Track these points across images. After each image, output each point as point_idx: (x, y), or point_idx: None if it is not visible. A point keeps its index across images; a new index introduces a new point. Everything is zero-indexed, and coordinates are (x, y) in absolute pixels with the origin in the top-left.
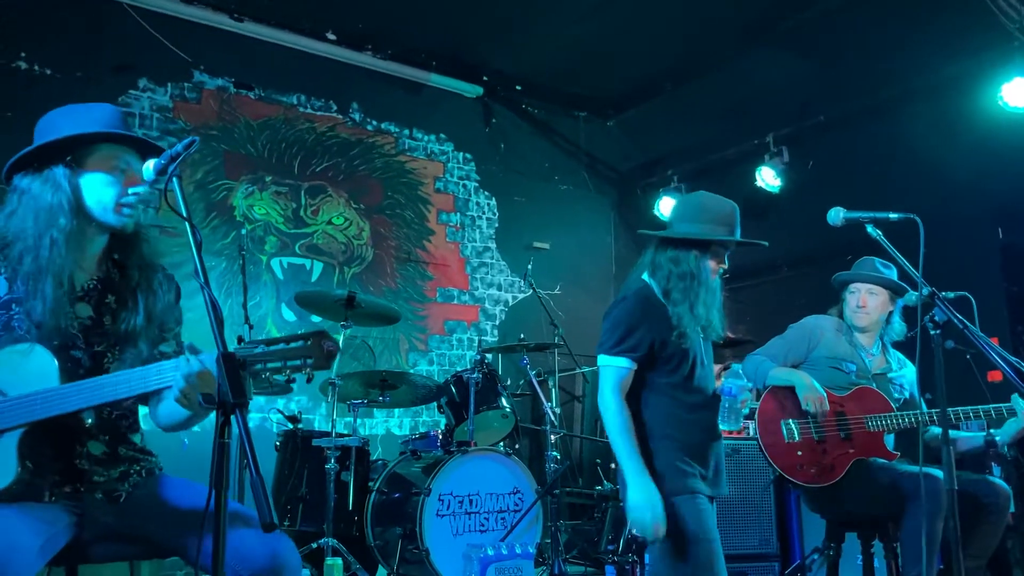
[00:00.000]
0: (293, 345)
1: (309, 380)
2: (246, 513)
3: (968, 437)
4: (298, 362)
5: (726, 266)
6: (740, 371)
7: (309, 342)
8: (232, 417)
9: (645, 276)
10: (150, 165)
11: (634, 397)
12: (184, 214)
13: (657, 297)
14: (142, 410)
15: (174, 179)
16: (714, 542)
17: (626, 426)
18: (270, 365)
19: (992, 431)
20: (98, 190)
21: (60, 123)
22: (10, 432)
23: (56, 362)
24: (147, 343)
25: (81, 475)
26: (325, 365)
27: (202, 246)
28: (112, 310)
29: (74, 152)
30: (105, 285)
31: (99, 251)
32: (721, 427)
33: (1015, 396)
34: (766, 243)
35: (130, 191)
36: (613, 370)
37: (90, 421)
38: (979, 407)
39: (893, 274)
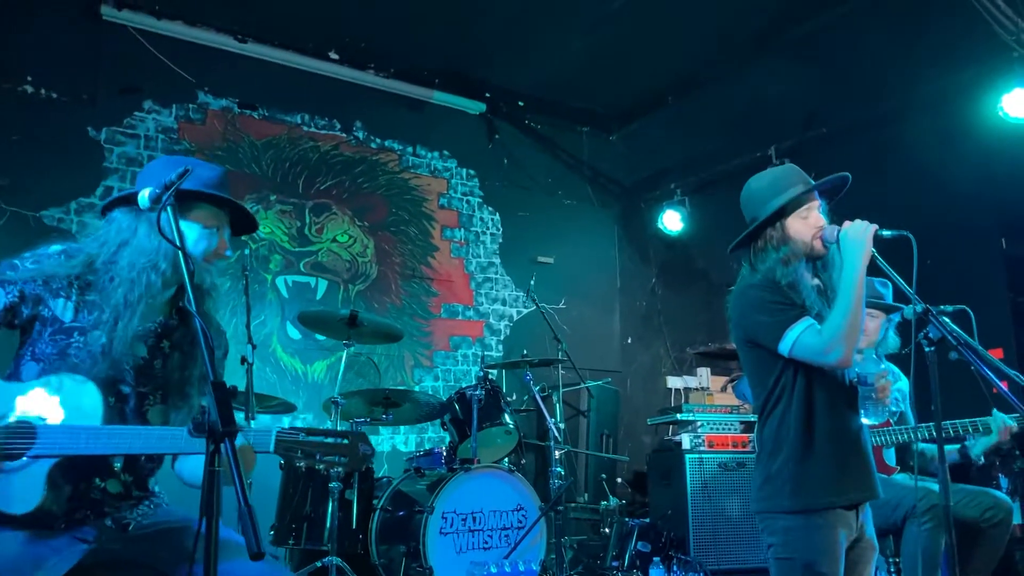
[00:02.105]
0: (330, 441)
1: (338, 479)
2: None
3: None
4: (333, 458)
5: (824, 220)
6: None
7: (347, 441)
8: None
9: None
10: (145, 194)
11: (766, 390)
12: (177, 243)
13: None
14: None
15: (168, 208)
16: None
17: (833, 312)
18: (306, 453)
19: (967, 443)
20: (192, 242)
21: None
22: (43, 460)
23: (102, 400)
24: (196, 393)
25: (92, 504)
26: (357, 467)
27: (194, 275)
28: (164, 355)
29: (180, 203)
30: (164, 330)
31: (168, 298)
32: (867, 420)
33: (994, 411)
34: (848, 174)
35: (219, 254)
36: (805, 335)
37: (118, 464)
38: (965, 421)
39: (890, 293)
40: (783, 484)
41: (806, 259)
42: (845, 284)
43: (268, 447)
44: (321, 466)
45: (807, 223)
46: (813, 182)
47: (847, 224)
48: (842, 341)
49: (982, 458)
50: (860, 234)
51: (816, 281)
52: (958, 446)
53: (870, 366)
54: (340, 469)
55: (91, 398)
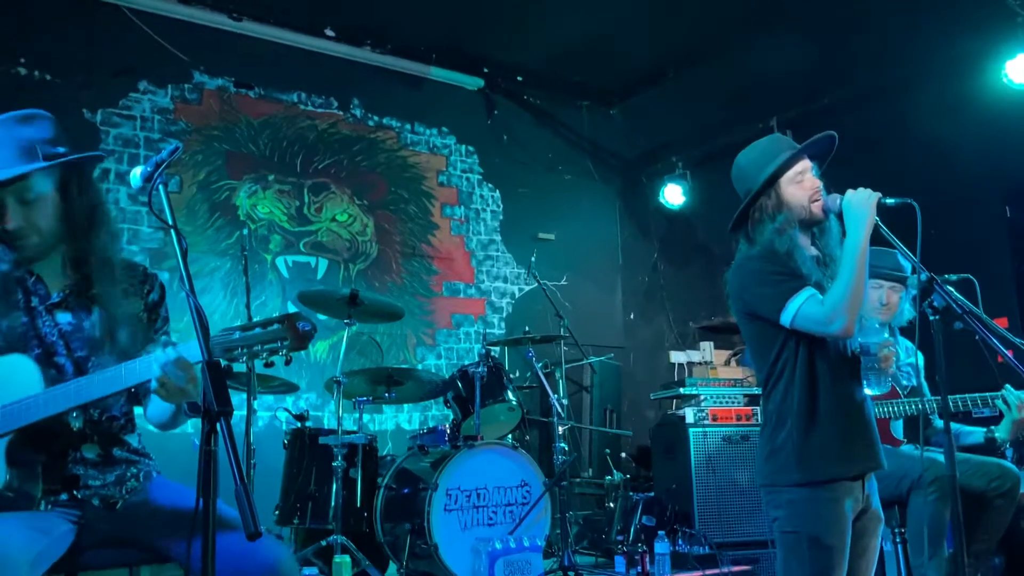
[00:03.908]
0: (269, 329)
1: (288, 362)
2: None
3: (968, 432)
4: (275, 344)
5: (819, 183)
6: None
7: (284, 324)
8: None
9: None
10: (137, 172)
11: (769, 363)
12: (169, 221)
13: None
14: (138, 411)
15: (159, 186)
16: (833, 549)
17: (836, 284)
18: (249, 349)
19: (992, 427)
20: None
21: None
22: None
23: (39, 369)
24: (131, 343)
25: (76, 480)
26: (301, 346)
27: (187, 253)
28: (88, 312)
29: None
30: (78, 289)
31: (61, 259)
32: (869, 391)
33: (1007, 386)
34: (834, 133)
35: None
36: (806, 305)
37: (78, 425)
38: (975, 395)
39: (909, 266)
40: (787, 457)
41: (804, 226)
42: (848, 253)
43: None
44: (264, 355)
45: (802, 187)
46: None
47: (850, 192)
48: (845, 311)
49: (1008, 443)
50: (863, 203)
51: (814, 250)
52: (983, 430)
53: (873, 336)
54: (286, 352)
55: (27, 372)
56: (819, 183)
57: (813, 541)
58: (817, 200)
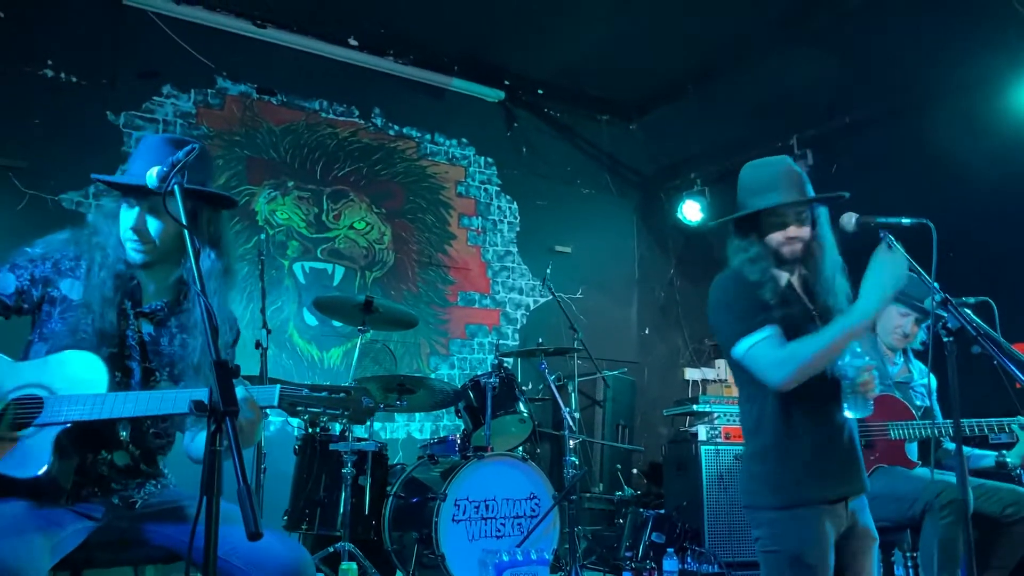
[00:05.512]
0: (334, 396)
1: (343, 432)
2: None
3: (980, 456)
4: (336, 412)
5: (803, 230)
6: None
7: (349, 395)
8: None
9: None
10: (153, 172)
11: (744, 386)
12: (184, 222)
13: (746, 277)
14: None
15: (175, 186)
16: (815, 568)
17: (807, 340)
18: (311, 409)
19: (1004, 452)
20: (120, 222)
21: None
22: (50, 428)
23: (107, 372)
24: (198, 374)
25: (99, 480)
26: (361, 420)
27: (199, 254)
28: (171, 334)
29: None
30: (171, 310)
31: (174, 278)
32: (850, 414)
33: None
34: (846, 194)
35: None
36: (759, 346)
37: (124, 434)
38: (992, 420)
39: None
40: (766, 480)
41: (778, 262)
42: (845, 322)
43: (272, 401)
44: (325, 418)
45: (782, 232)
46: (810, 188)
47: (887, 252)
48: (796, 369)
49: (1019, 468)
50: (893, 274)
51: (795, 275)
52: (995, 454)
53: (854, 360)
54: (344, 421)
55: (96, 371)
56: (805, 232)
57: (794, 560)
58: (792, 245)
